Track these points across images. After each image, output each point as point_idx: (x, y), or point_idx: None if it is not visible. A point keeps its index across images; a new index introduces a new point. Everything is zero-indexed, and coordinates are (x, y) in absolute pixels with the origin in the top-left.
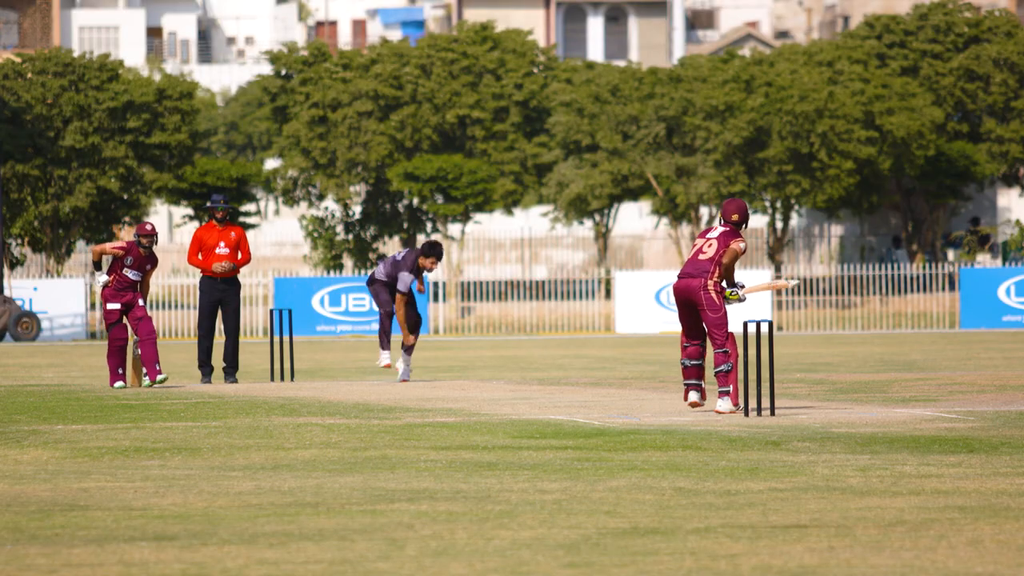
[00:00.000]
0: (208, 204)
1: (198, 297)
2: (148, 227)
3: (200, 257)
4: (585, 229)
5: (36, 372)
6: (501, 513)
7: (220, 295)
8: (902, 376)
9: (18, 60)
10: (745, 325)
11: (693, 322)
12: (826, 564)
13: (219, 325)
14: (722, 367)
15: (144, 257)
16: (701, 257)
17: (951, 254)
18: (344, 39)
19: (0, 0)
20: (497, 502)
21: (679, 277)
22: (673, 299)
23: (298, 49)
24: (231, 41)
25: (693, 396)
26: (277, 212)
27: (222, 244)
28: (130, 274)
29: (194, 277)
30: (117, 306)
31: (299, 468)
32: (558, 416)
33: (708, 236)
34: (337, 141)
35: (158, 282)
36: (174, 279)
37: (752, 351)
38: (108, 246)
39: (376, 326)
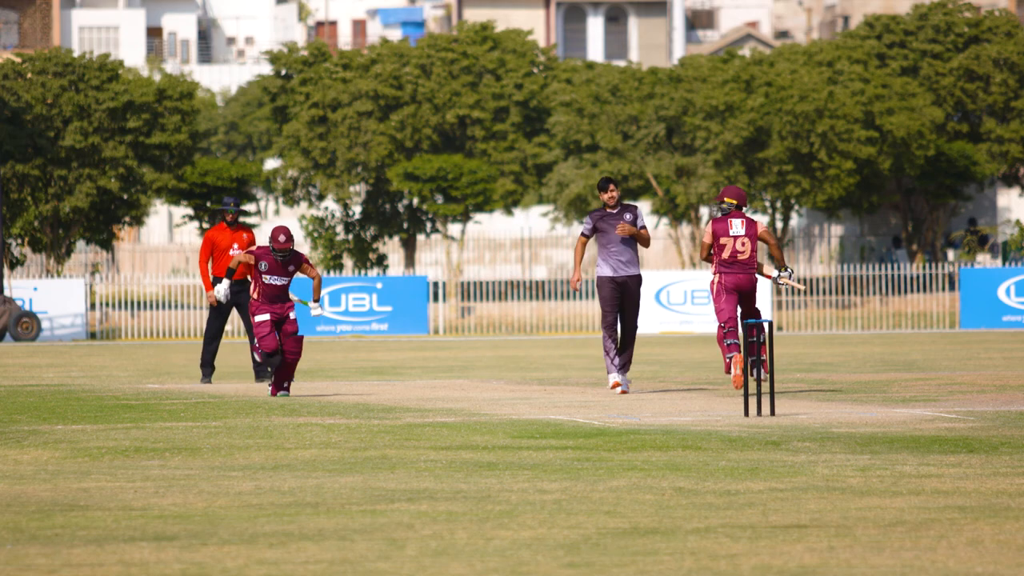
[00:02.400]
0: (220, 207)
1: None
2: (281, 238)
3: (212, 259)
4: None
5: (36, 372)
6: (501, 513)
7: (235, 297)
8: (902, 376)
9: (18, 60)
10: (745, 325)
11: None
12: (826, 564)
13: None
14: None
15: (282, 263)
16: (745, 255)
17: (951, 254)
18: (344, 39)
19: (0, 0)
20: (497, 502)
21: (733, 272)
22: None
23: (298, 49)
24: (231, 41)
25: (738, 369)
26: (277, 212)
27: (235, 246)
28: (273, 280)
29: (195, 277)
30: (266, 316)
31: (299, 468)
32: (558, 416)
33: (733, 234)
34: (337, 141)
35: (157, 282)
36: (174, 279)
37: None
38: (240, 255)
39: (376, 327)
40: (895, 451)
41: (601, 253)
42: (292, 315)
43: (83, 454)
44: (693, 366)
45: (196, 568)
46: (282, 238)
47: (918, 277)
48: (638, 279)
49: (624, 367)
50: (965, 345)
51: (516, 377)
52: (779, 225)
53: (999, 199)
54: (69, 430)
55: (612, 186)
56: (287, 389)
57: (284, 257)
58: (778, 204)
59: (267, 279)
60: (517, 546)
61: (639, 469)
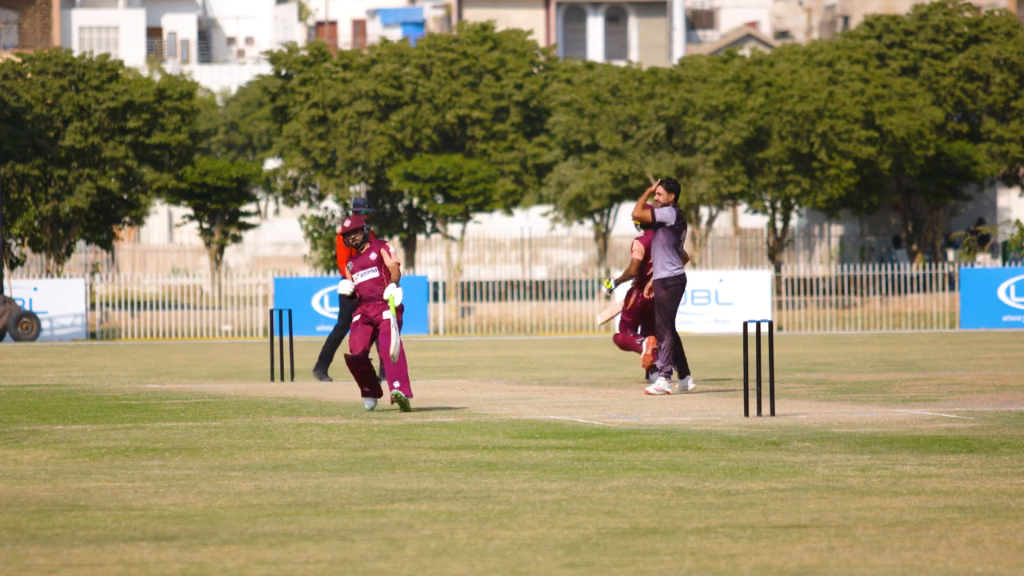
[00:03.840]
0: (352, 209)
1: (344, 301)
2: (347, 223)
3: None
4: (585, 229)
5: (36, 372)
6: (501, 513)
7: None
8: (902, 376)
9: (18, 60)
10: (745, 325)
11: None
12: (826, 564)
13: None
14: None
15: (363, 253)
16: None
17: (951, 254)
18: (344, 39)
19: (0, 1)
20: (497, 502)
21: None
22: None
23: (298, 49)
24: (231, 41)
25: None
26: (277, 212)
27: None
28: (363, 276)
29: (195, 277)
30: (357, 317)
31: (299, 468)
32: (558, 416)
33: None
34: (337, 141)
35: (157, 282)
36: (174, 279)
37: (752, 351)
38: (344, 276)
39: None
40: (895, 451)
41: None
42: (386, 315)
43: (83, 454)
44: (692, 366)
45: (196, 568)
46: (347, 222)
47: (918, 277)
48: (659, 282)
49: (653, 369)
50: (965, 345)
51: (516, 377)
52: (779, 225)
53: (999, 199)
54: (69, 430)
55: (660, 188)
56: (401, 390)
57: (359, 243)
58: (778, 204)
59: (357, 276)
60: (517, 546)
61: (639, 469)
